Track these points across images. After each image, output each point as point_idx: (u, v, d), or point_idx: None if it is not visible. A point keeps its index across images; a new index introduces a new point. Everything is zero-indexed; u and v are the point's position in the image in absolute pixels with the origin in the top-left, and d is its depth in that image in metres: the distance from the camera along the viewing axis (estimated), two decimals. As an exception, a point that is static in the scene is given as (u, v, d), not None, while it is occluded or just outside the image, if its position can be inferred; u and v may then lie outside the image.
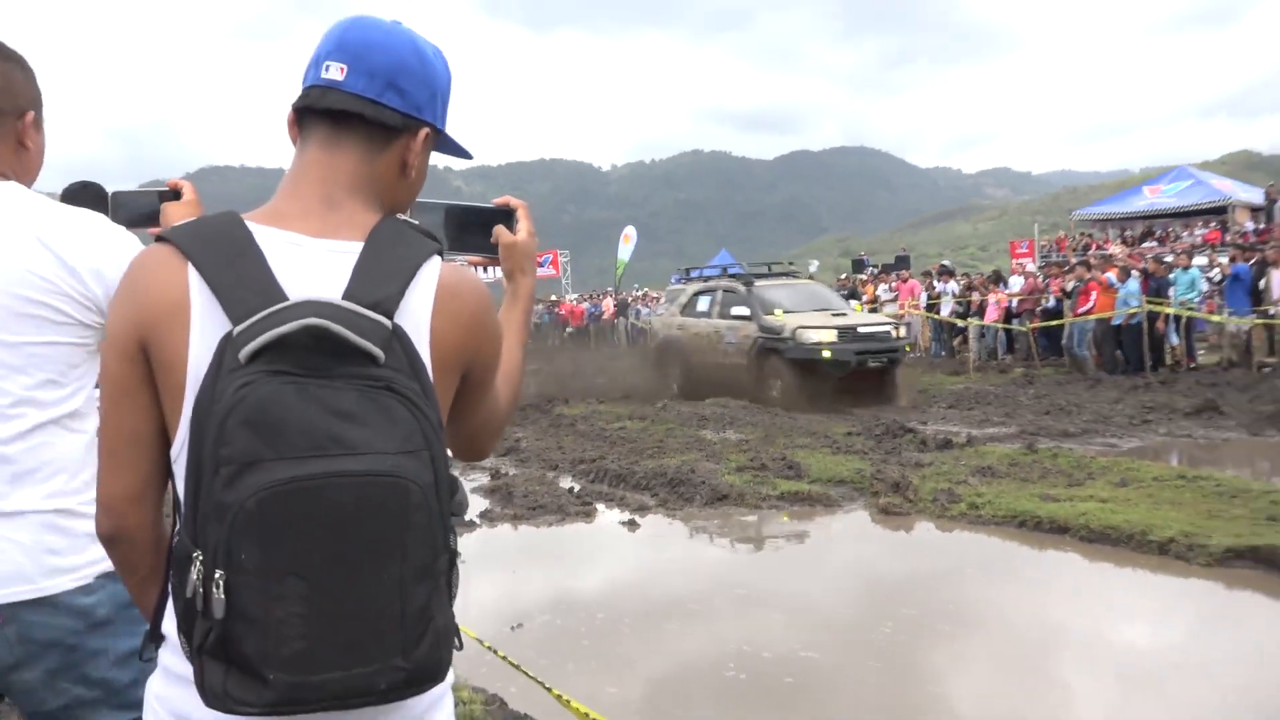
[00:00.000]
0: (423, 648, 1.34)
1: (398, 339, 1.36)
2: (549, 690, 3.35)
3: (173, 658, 1.41)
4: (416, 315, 1.42)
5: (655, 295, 39.07)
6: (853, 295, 27.19)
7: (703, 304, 18.07)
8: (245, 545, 1.23)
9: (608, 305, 37.76)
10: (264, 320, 1.30)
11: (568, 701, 3.17)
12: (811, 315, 16.30)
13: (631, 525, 8.54)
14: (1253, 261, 17.60)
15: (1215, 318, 17.52)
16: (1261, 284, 16.65)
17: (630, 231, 40.22)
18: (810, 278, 22.53)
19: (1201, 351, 18.33)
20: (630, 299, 37.80)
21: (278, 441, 1.25)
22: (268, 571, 1.24)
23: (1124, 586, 6.65)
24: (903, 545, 7.99)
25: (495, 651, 3.97)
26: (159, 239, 1.43)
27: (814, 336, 15.44)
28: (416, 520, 1.31)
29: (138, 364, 1.40)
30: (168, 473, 1.45)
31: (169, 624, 1.42)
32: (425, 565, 1.34)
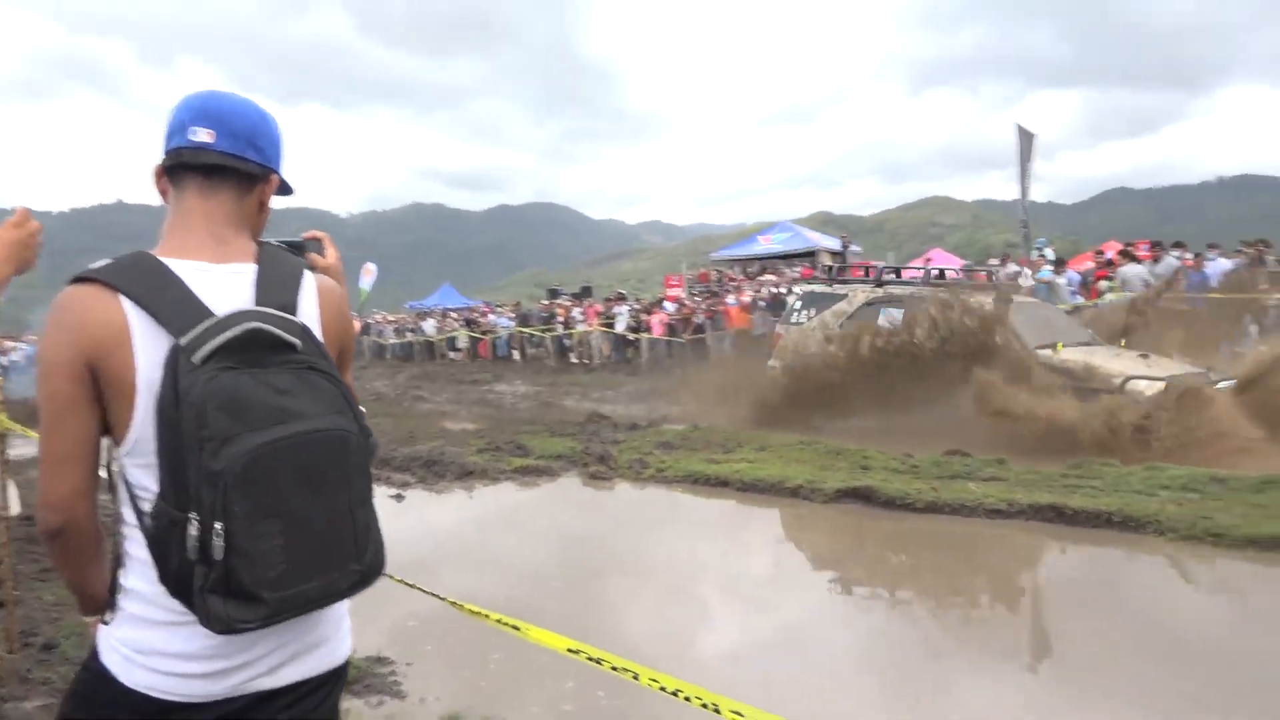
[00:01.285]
0: (369, 554, 1.47)
1: (305, 330, 1.47)
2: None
3: (142, 607, 1.44)
4: (309, 312, 1.54)
5: (391, 319, 38.13)
6: (551, 317, 27.49)
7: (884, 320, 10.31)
8: (236, 499, 1.31)
9: (355, 326, 36.63)
10: (208, 330, 1.38)
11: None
12: (1109, 354, 9.65)
13: (399, 498, 8.43)
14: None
15: None
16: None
17: (371, 267, 38.95)
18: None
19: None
20: (372, 321, 37.01)
21: (245, 418, 1.34)
22: (254, 515, 1.33)
23: (768, 520, 7.24)
24: (609, 500, 8.30)
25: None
26: (82, 279, 1.42)
27: (1150, 390, 8.53)
28: (354, 460, 1.45)
29: (85, 383, 1.41)
30: (98, 470, 1.47)
31: (138, 582, 1.44)
32: (363, 493, 1.49)
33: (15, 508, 5.06)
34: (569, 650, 2.12)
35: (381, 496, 8.36)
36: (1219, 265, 13.89)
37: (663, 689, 1.89)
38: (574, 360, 24.77)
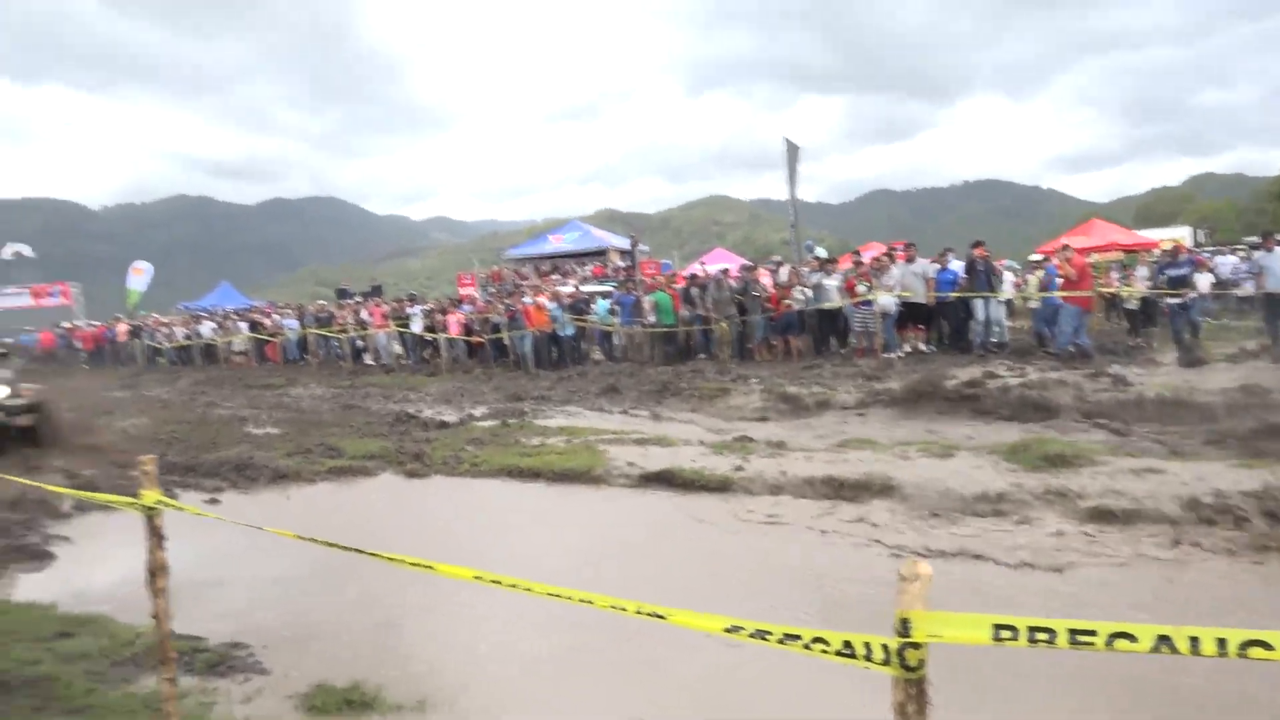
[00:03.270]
0: None
1: None
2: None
3: None
4: None
5: (165, 320, 35.92)
6: (329, 318, 26.89)
7: None
8: None
9: (121, 330, 34.26)
10: None
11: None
12: None
13: (213, 502, 8.49)
14: (632, 290, 20.39)
15: (619, 329, 19.68)
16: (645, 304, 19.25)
17: (142, 265, 36.68)
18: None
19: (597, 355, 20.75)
20: (144, 324, 34.71)
21: None
22: None
23: (581, 504, 7.87)
24: (431, 493, 8.68)
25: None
26: None
27: None
28: None
29: None
30: None
31: None
32: None
33: None
34: (475, 577, 2.65)
35: (196, 501, 8.47)
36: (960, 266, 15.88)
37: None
38: (369, 362, 24.56)
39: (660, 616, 2.08)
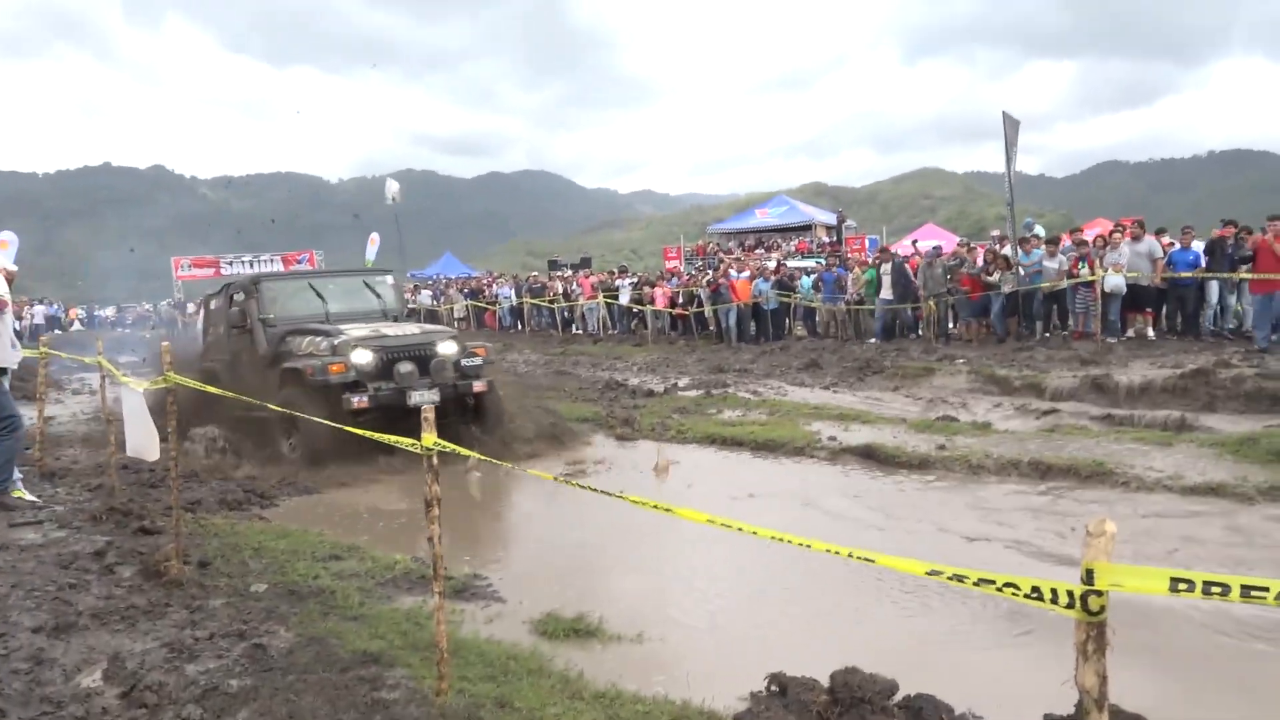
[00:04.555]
0: None
1: None
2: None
3: None
4: None
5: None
6: (542, 289, 28.14)
7: None
8: None
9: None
10: None
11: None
12: None
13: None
14: (835, 266, 20.29)
15: (821, 305, 19.63)
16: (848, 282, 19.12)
17: (376, 236, 39.71)
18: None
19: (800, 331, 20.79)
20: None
21: None
22: None
23: (783, 473, 8.16)
24: (641, 456, 9.19)
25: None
26: None
27: None
28: None
29: None
30: None
31: None
32: None
33: (155, 454, 5.99)
34: (708, 520, 2.99)
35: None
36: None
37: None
38: (576, 331, 25.67)
39: (870, 560, 2.38)
